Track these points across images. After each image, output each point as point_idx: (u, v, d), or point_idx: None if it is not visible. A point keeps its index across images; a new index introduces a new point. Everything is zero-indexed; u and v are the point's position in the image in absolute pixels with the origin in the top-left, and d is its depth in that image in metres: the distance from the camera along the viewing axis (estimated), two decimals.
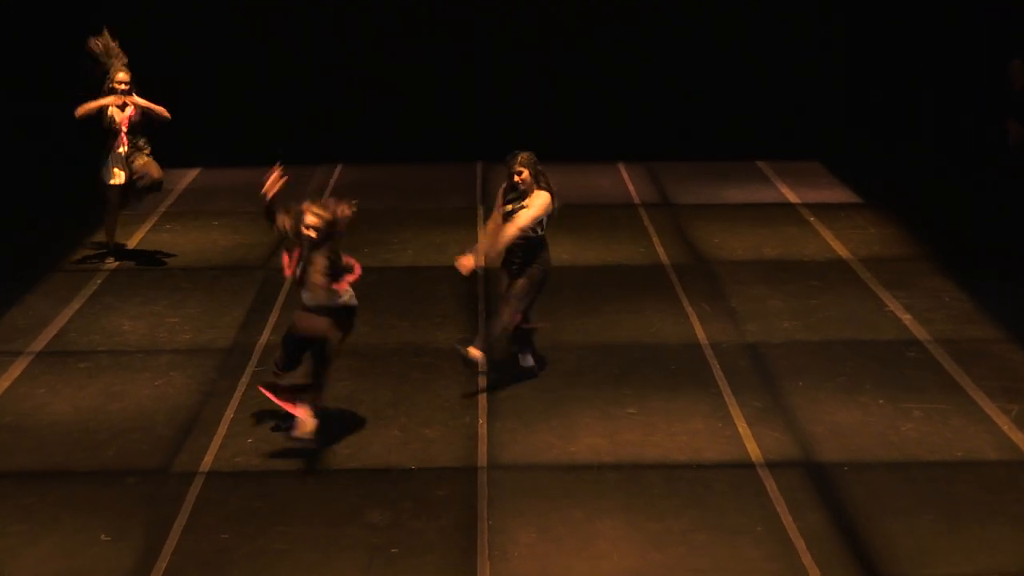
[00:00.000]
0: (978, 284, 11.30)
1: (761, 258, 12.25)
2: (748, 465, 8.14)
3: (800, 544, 7.20)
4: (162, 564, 7.03)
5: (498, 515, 7.52)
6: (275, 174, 8.27)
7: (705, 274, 11.78)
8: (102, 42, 11.65)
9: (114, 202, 11.80)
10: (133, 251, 12.45)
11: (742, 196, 14.51)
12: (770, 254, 12.38)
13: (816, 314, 10.73)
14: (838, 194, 14.52)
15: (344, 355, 8.90)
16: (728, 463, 8.17)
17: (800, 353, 9.90)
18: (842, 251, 12.38)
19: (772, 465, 8.12)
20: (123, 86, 11.53)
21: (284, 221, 8.20)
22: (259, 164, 15.38)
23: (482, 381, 9.30)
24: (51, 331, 10.44)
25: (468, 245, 12.58)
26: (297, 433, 8.21)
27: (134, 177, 11.67)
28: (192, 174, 15.55)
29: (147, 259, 12.24)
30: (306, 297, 8.23)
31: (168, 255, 12.29)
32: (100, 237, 12.42)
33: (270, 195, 8.24)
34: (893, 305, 10.90)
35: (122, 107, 11.59)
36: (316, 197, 8.30)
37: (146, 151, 11.69)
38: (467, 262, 9.00)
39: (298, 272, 8.18)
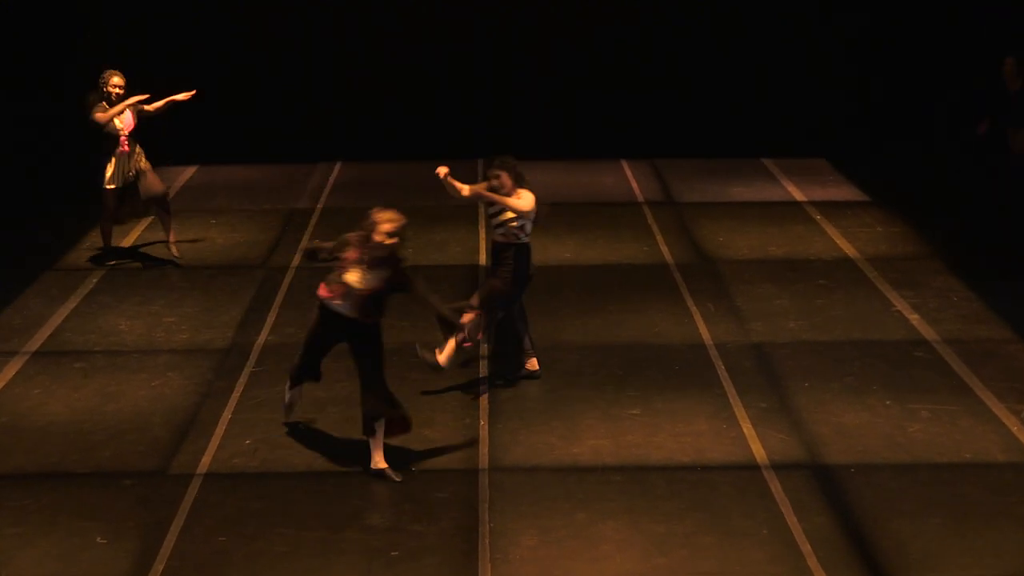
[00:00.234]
0: (987, 284, 11.22)
1: (767, 257, 12.19)
2: (753, 467, 8.08)
3: (806, 547, 7.14)
4: (159, 567, 6.99)
5: (499, 518, 7.47)
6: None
7: (710, 273, 11.71)
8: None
9: (110, 207, 11.74)
10: (129, 250, 12.39)
11: (747, 194, 14.45)
12: (776, 253, 12.31)
13: (822, 314, 10.66)
14: (845, 192, 14.45)
15: (344, 356, 8.79)
16: (733, 465, 8.11)
17: (806, 353, 9.84)
18: (849, 250, 12.30)
19: (777, 467, 8.07)
20: (119, 90, 11.45)
21: (322, 246, 8.14)
22: (257, 162, 15.65)
23: (483, 382, 9.24)
24: (46, 331, 10.37)
25: (468, 243, 12.65)
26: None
27: (141, 195, 11.67)
28: (189, 171, 15.48)
29: (144, 258, 12.17)
30: (341, 305, 7.99)
31: (165, 254, 12.20)
32: (96, 238, 12.33)
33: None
34: (901, 305, 10.83)
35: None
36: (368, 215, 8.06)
37: (142, 157, 11.64)
38: (446, 170, 8.78)
39: (346, 276, 7.94)
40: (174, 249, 11.99)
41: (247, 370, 9.57)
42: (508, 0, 16.26)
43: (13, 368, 9.63)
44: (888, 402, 8.96)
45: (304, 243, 8.19)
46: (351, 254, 7.93)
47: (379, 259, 7.89)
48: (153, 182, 11.70)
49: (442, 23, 16.29)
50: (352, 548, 7.15)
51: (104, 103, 11.37)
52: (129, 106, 11.48)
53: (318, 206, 13.75)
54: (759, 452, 8.26)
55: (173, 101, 11.72)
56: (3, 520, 7.45)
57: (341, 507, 7.60)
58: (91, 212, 12.32)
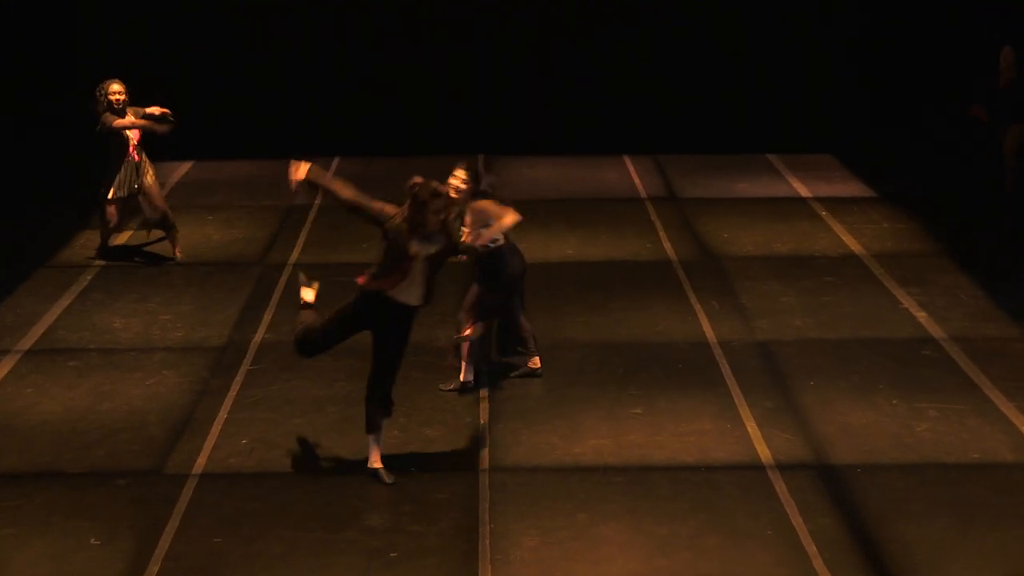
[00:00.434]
0: (995, 281, 11.15)
1: (772, 254, 12.12)
2: (758, 467, 8.02)
3: (811, 548, 7.09)
4: (154, 568, 6.94)
5: (500, 518, 7.42)
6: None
7: (714, 270, 11.64)
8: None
9: (112, 219, 11.66)
10: (125, 247, 12.32)
11: (752, 190, 14.39)
12: (781, 249, 12.25)
13: (829, 311, 10.59)
14: (851, 188, 14.38)
15: (343, 355, 8.81)
16: (737, 465, 8.05)
17: (812, 351, 9.77)
18: (855, 246, 12.23)
19: (783, 467, 8.00)
20: (119, 96, 11.35)
21: (381, 205, 7.69)
22: (254, 157, 15.60)
23: (484, 380, 9.18)
24: (39, 328, 10.31)
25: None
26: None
27: (144, 213, 11.67)
28: (185, 167, 15.42)
29: (139, 255, 12.09)
30: (407, 295, 7.68)
31: (161, 251, 12.13)
32: (91, 236, 12.27)
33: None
34: (908, 302, 10.76)
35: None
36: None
37: (150, 171, 11.55)
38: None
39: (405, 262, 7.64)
40: (179, 256, 11.88)
41: (244, 368, 9.50)
42: (508, 0, 16.25)
43: (6, 366, 9.57)
44: (895, 401, 8.89)
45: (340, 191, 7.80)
46: (403, 225, 7.57)
47: (441, 224, 7.59)
48: (154, 204, 11.62)
49: (442, 23, 16.28)
50: (351, 549, 7.10)
51: (108, 113, 11.30)
52: (149, 123, 11.33)
53: (316, 203, 13.66)
54: (764, 452, 8.19)
55: (153, 116, 11.48)
56: None
57: (339, 508, 7.54)
58: (86, 209, 12.28)
